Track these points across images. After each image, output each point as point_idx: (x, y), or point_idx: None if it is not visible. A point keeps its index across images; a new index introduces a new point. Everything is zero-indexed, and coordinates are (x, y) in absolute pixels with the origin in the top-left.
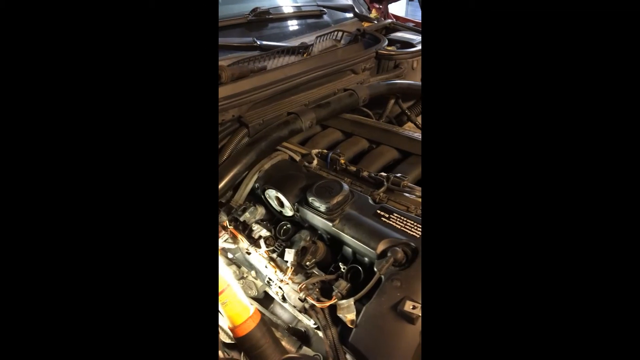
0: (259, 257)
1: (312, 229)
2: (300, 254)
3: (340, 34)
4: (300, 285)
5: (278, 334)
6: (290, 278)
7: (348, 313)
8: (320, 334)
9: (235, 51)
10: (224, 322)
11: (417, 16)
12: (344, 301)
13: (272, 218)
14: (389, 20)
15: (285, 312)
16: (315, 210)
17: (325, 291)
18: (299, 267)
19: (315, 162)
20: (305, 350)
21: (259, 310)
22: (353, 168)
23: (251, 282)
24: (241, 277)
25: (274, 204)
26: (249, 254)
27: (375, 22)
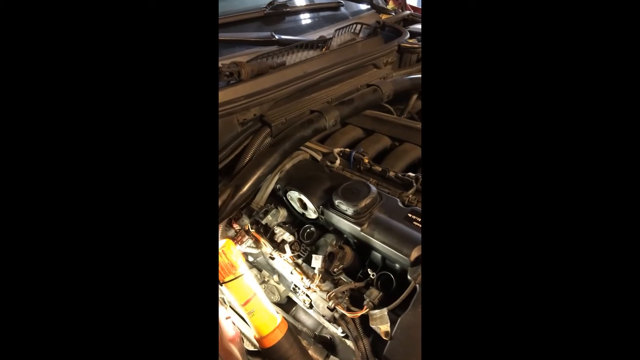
0: (283, 262)
1: (338, 232)
2: (328, 259)
3: (359, 26)
4: (329, 294)
5: (304, 342)
6: (317, 285)
7: (382, 324)
8: (349, 342)
9: (253, 46)
10: (249, 331)
11: None
12: (376, 311)
13: (295, 221)
14: (407, 12)
15: (309, 317)
16: (342, 214)
17: (355, 299)
18: (326, 274)
19: (337, 161)
20: (333, 359)
21: (287, 320)
22: (378, 168)
23: (273, 286)
24: (262, 282)
25: (297, 206)
26: (272, 258)
27: (393, 13)
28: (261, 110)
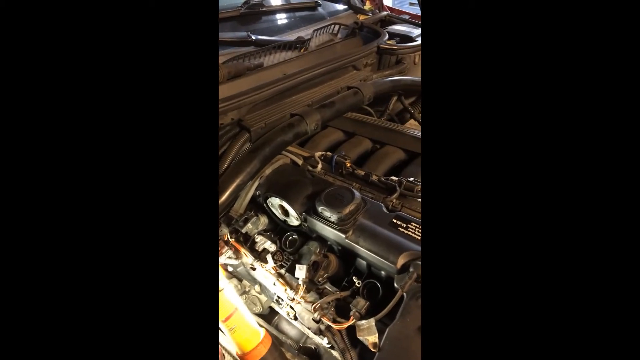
0: (265, 273)
1: (321, 239)
2: (312, 269)
3: (337, 27)
4: (314, 305)
5: (288, 355)
6: (302, 297)
7: (369, 335)
8: (335, 353)
9: (229, 47)
10: (231, 347)
11: (405, 7)
12: (363, 322)
13: (276, 228)
14: (385, 13)
15: (293, 327)
16: (326, 221)
17: (341, 309)
18: (311, 284)
19: (319, 166)
20: None
21: (269, 332)
22: (361, 172)
23: (255, 297)
24: (243, 292)
25: (278, 213)
26: (253, 269)
27: (370, 14)
28: (239, 114)
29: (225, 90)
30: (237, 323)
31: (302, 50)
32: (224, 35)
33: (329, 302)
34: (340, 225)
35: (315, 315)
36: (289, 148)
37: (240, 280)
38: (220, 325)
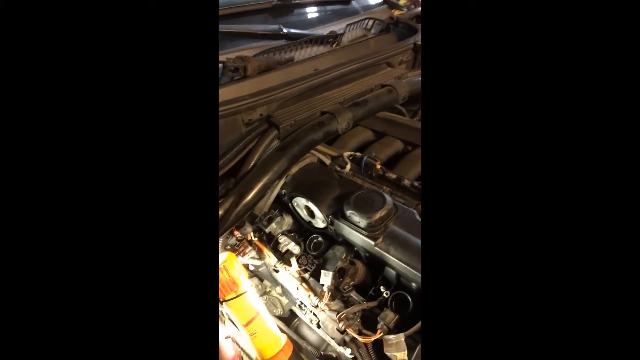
0: (288, 276)
1: (348, 244)
2: (338, 276)
3: (371, 22)
4: (339, 314)
5: None
6: (326, 304)
7: (398, 351)
8: None
9: (259, 40)
10: (251, 351)
11: None
12: (392, 337)
13: (300, 229)
14: (420, 9)
15: (314, 333)
16: (354, 226)
17: (367, 320)
18: (336, 291)
19: (348, 166)
20: None
21: (289, 337)
22: (392, 175)
23: (275, 299)
24: (264, 293)
25: (303, 213)
26: (276, 271)
27: (405, 9)
28: (268, 110)
29: (254, 85)
30: (259, 328)
31: (334, 46)
32: (255, 27)
33: (355, 313)
34: (370, 231)
35: (340, 325)
36: (317, 146)
37: (261, 280)
38: (242, 329)
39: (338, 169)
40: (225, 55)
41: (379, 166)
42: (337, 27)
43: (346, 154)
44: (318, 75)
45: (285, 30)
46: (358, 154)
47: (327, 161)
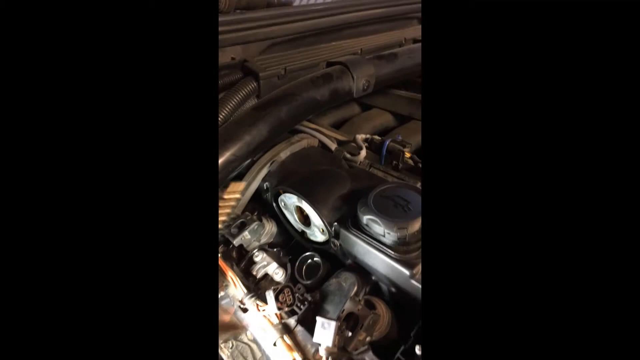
0: (261, 320)
1: (363, 271)
2: (345, 327)
3: None
4: None
5: None
6: None
7: None
8: None
9: None
10: None
11: None
12: None
13: (289, 242)
14: None
15: None
16: (374, 241)
17: None
18: (341, 353)
19: (363, 152)
20: None
21: None
22: None
23: (246, 347)
24: (231, 337)
25: (294, 218)
26: (244, 310)
27: None
28: (244, 53)
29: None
30: None
31: None
32: None
33: None
34: (402, 252)
35: None
36: (319, 126)
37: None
38: None
39: (348, 156)
40: None
41: (408, 154)
42: None
43: (360, 136)
44: (325, 13)
45: None
46: (377, 137)
47: (333, 145)
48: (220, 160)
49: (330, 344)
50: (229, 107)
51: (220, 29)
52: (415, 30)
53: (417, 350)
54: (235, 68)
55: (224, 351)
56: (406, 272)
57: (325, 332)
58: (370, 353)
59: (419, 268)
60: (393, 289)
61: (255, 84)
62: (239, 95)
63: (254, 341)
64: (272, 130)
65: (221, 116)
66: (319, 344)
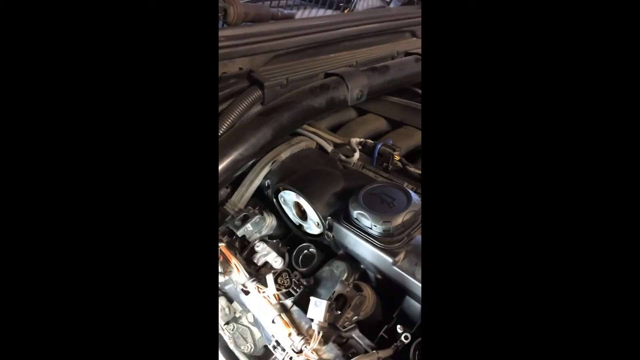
0: (262, 301)
1: (352, 260)
2: (335, 306)
3: None
4: None
5: None
6: (315, 350)
7: None
8: None
9: None
10: None
11: None
12: None
13: (287, 234)
14: None
15: None
16: (363, 233)
17: None
18: (331, 329)
19: (356, 155)
20: None
21: None
22: (416, 170)
23: (246, 329)
24: (232, 319)
25: (292, 213)
26: (246, 292)
27: None
28: (251, 64)
29: (236, 31)
30: None
31: (345, 12)
32: None
33: None
34: (387, 242)
35: None
36: (316, 129)
37: (230, 301)
38: None
39: (343, 157)
40: None
41: (397, 157)
42: None
43: (354, 140)
44: (324, 29)
45: None
46: (370, 141)
47: (329, 147)
48: (229, 160)
49: (321, 319)
50: (236, 112)
51: (229, 42)
52: (407, 44)
53: (399, 329)
54: (243, 77)
55: (226, 333)
56: (389, 259)
57: (317, 309)
58: (357, 331)
59: (400, 256)
60: (379, 276)
61: (260, 92)
62: (246, 102)
63: (254, 324)
64: (275, 134)
65: (229, 121)
66: (312, 320)
